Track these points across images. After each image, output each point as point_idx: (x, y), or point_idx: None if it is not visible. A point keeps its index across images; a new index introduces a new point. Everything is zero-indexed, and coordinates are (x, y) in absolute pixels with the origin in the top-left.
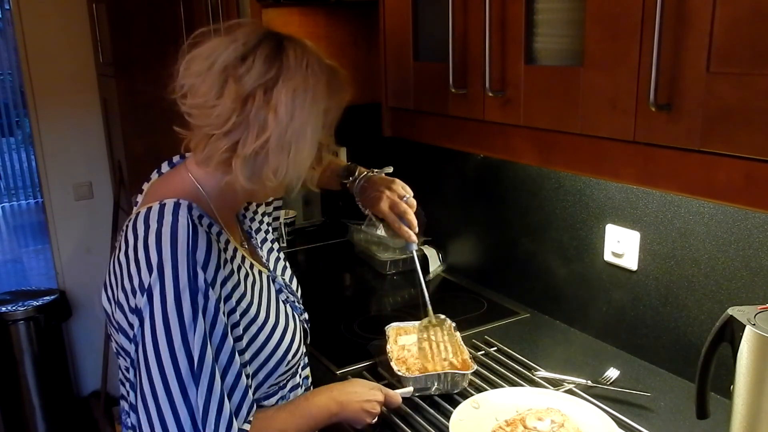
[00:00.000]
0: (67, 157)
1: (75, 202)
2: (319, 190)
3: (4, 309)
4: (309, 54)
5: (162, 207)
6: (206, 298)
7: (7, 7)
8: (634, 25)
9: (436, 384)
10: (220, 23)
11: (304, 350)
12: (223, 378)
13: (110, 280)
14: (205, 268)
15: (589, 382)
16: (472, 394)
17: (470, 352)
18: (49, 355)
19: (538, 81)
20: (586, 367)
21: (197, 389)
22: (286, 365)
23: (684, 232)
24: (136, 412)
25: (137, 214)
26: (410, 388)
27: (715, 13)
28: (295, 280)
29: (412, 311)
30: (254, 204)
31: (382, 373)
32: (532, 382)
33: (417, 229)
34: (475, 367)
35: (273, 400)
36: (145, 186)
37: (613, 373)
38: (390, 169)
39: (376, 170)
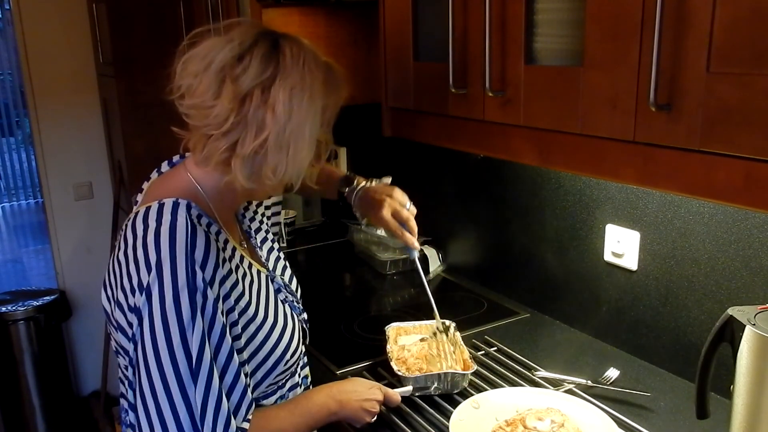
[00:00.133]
0: (67, 157)
1: (75, 202)
2: (318, 188)
3: (4, 309)
4: (305, 52)
5: (161, 206)
6: (204, 297)
7: (7, 7)
8: (634, 25)
9: (436, 384)
10: (219, 23)
11: (303, 350)
12: (221, 377)
13: (110, 279)
14: (203, 268)
15: (589, 382)
16: (472, 394)
17: (470, 352)
18: (49, 355)
19: (538, 81)
20: (586, 367)
21: (196, 388)
22: (285, 365)
23: (684, 232)
24: (135, 410)
25: (136, 214)
26: (409, 388)
27: (715, 13)
28: (294, 280)
29: (411, 311)
30: (254, 204)
31: (382, 372)
32: (532, 382)
33: (416, 236)
34: (476, 367)
35: (272, 399)
36: (145, 185)
37: (613, 373)
38: (389, 179)
39: (375, 180)
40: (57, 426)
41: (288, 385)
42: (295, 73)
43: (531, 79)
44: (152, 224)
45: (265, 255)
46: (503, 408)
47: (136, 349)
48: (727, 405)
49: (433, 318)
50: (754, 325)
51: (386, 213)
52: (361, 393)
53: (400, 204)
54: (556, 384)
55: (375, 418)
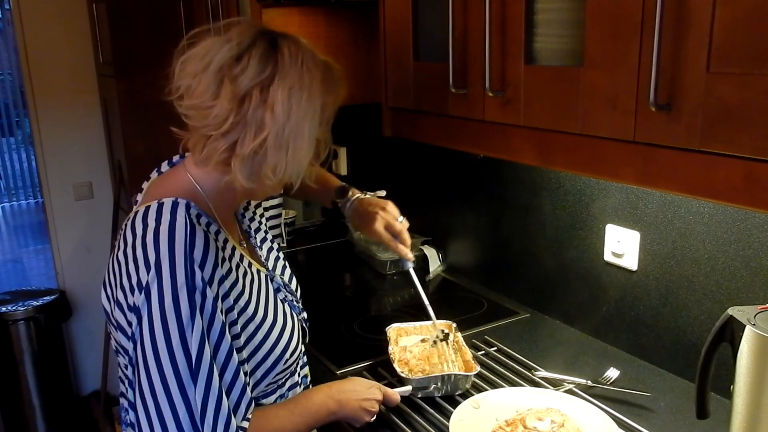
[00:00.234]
0: (67, 157)
1: (75, 202)
2: (316, 186)
3: (4, 309)
4: (303, 51)
5: (160, 206)
6: (203, 296)
7: (7, 7)
8: (634, 25)
9: (438, 385)
10: (219, 22)
11: (303, 349)
12: (221, 376)
13: (109, 278)
14: (202, 267)
15: (589, 382)
16: (473, 394)
17: (471, 353)
18: (49, 355)
19: (538, 81)
20: (586, 367)
21: (195, 387)
22: (284, 364)
23: (684, 232)
24: (134, 410)
25: (136, 213)
26: (408, 387)
27: (715, 13)
28: (294, 280)
29: (411, 311)
30: (253, 204)
31: (382, 372)
32: (532, 382)
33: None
34: (478, 368)
35: (271, 398)
36: (145, 185)
37: (613, 373)
38: (383, 193)
39: (369, 193)
40: (57, 426)
41: (287, 384)
42: (294, 73)
43: (531, 79)
44: (151, 224)
45: (265, 254)
46: (503, 408)
47: (135, 349)
48: (727, 405)
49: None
50: (754, 325)
51: (379, 226)
52: (360, 392)
53: (393, 217)
54: (556, 384)
55: (374, 417)
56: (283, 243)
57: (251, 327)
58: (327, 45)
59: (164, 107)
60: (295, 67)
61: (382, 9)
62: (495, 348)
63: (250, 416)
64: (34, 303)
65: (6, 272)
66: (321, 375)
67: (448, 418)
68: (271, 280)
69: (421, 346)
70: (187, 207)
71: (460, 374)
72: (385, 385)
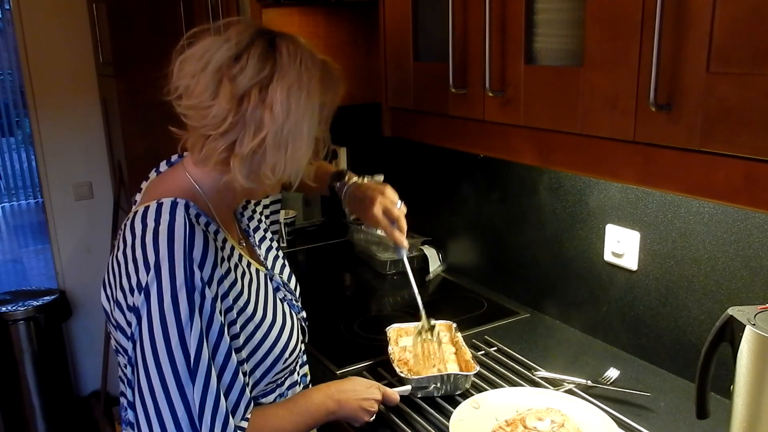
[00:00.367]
0: (67, 157)
1: (75, 202)
2: (316, 185)
3: (4, 309)
4: (302, 50)
5: (159, 206)
6: (203, 296)
7: (7, 7)
8: (634, 25)
9: (438, 385)
10: (218, 21)
11: (302, 348)
12: (220, 376)
13: (109, 278)
14: (201, 267)
15: (589, 382)
16: (473, 394)
17: (471, 353)
18: (49, 355)
19: (538, 81)
20: (586, 367)
21: (194, 387)
22: (284, 363)
23: (684, 232)
24: (133, 409)
25: (135, 213)
26: (408, 387)
27: (715, 13)
28: (293, 279)
29: (411, 311)
30: (252, 203)
31: (382, 372)
32: (532, 382)
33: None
34: (478, 368)
35: (271, 397)
36: (144, 185)
37: (613, 373)
38: (381, 177)
39: (367, 177)
40: (57, 426)
41: (287, 384)
42: (292, 72)
43: (531, 79)
44: (150, 224)
45: (264, 254)
46: (503, 408)
47: (134, 348)
48: (727, 405)
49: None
50: (754, 325)
51: (377, 210)
52: (359, 392)
53: (391, 202)
54: (556, 384)
55: (374, 417)
56: (283, 243)
57: (250, 326)
58: (327, 45)
59: (164, 107)
60: (294, 66)
61: (382, 9)
62: (495, 348)
63: (249, 416)
64: (34, 303)
65: (6, 272)
66: (321, 375)
67: (448, 418)
68: (271, 279)
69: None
70: (186, 207)
71: (460, 374)
72: (385, 385)
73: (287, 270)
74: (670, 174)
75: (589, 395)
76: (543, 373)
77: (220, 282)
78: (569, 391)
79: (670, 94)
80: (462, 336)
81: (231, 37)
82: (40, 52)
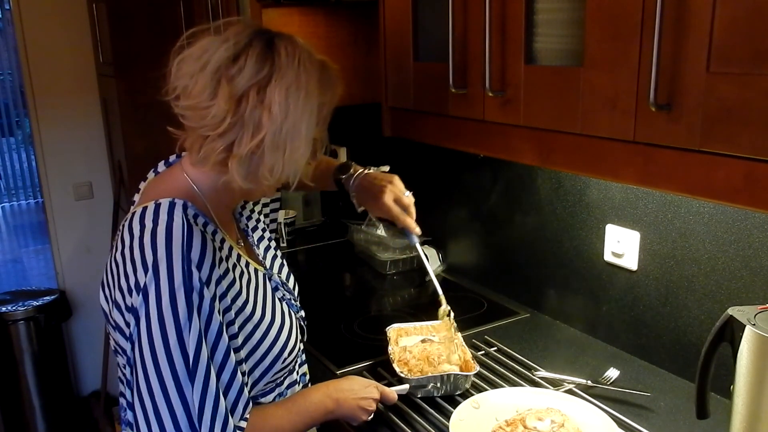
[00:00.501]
0: (67, 157)
1: (75, 202)
2: (314, 184)
3: (4, 309)
4: (300, 50)
5: (157, 207)
6: (201, 296)
7: (7, 7)
8: (634, 25)
9: (437, 385)
10: (217, 21)
11: (301, 347)
12: (218, 376)
13: (107, 279)
14: (199, 267)
15: (589, 382)
16: (473, 394)
17: (471, 353)
18: (49, 355)
19: (538, 81)
20: (586, 367)
21: (193, 387)
22: (282, 362)
23: (684, 232)
24: (132, 409)
25: (133, 214)
26: (406, 386)
27: (715, 13)
28: (292, 278)
29: (412, 311)
30: (251, 202)
31: (382, 372)
32: (532, 382)
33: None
34: (478, 368)
35: (270, 397)
36: (142, 185)
37: (613, 373)
38: (387, 168)
39: (372, 167)
40: (57, 426)
41: (286, 383)
42: (291, 73)
43: (531, 79)
44: (149, 224)
45: (262, 253)
46: (503, 408)
47: (133, 349)
48: (727, 405)
49: (437, 306)
50: (754, 325)
51: (388, 199)
52: (357, 391)
53: (400, 191)
54: (556, 384)
55: (372, 416)
56: (283, 243)
57: (249, 326)
58: (327, 45)
59: (164, 107)
60: (292, 66)
61: (382, 9)
62: (495, 348)
63: (248, 416)
64: (34, 303)
65: (6, 272)
66: (321, 375)
67: (448, 418)
68: (269, 279)
69: (420, 346)
70: (184, 207)
71: (459, 374)
72: (384, 384)
73: (286, 269)
74: (670, 174)
75: (589, 395)
76: (543, 373)
77: (219, 282)
78: (569, 391)
79: (670, 94)
80: (462, 336)
81: (229, 37)
82: (40, 52)
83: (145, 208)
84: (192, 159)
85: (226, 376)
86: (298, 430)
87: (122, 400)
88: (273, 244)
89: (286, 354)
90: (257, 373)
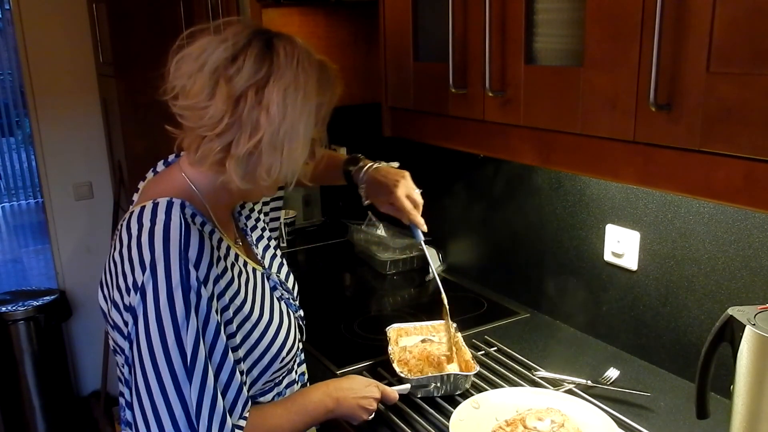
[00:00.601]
0: (67, 157)
1: (75, 202)
2: (312, 184)
3: (4, 309)
4: (299, 51)
5: (155, 206)
6: (198, 296)
7: (7, 7)
8: (634, 25)
9: (438, 385)
10: (217, 21)
11: (300, 347)
12: (216, 375)
13: (106, 278)
14: (197, 267)
15: (589, 382)
16: (473, 394)
17: (471, 353)
18: (49, 355)
19: (538, 81)
20: (586, 367)
21: (191, 386)
22: (281, 362)
23: (684, 232)
24: (131, 409)
25: (131, 213)
26: (407, 386)
27: (715, 13)
28: (291, 278)
29: (411, 311)
30: (251, 202)
31: (382, 372)
32: (532, 382)
33: None
34: (478, 368)
35: (269, 396)
36: (141, 185)
37: (613, 373)
38: (397, 164)
39: (383, 162)
40: (57, 426)
41: (285, 383)
42: (289, 73)
43: (531, 79)
44: (146, 224)
45: (261, 252)
46: (503, 408)
47: (131, 348)
48: (727, 405)
49: (438, 305)
50: (754, 325)
51: (402, 193)
52: (358, 390)
53: (412, 188)
54: (556, 384)
55: (372, 416)
56: (283, 243)
57: (247, 325)
58: (327, 45)
59: (164, 107)
60: (291, 67)
61: (382, 9)
62: (495, 348)
63: (246, 415)
64: (34, 303)
65: (6, 272)
66: (321, 375)
67: (448, 418)
68: (267, 278)
69: (420, 346)
70: (182, 207)
71: (460, 374)
72: (385, 384)
73: (285, 269)
74: (670, 174)
75: (589, 395)
76: (543, 373)
77: (216, 281)
78: (569, 391)
79: (670, 94)
80: (462, 336)
81: (228, 37)
82: (40, 52)
83: (143, 208)
84: (190, 159)
85: (224, 375)
86: (297, 429)
87: (121, 400)
88: (272, 243)
89: (284, 353)
90: (255, 372)
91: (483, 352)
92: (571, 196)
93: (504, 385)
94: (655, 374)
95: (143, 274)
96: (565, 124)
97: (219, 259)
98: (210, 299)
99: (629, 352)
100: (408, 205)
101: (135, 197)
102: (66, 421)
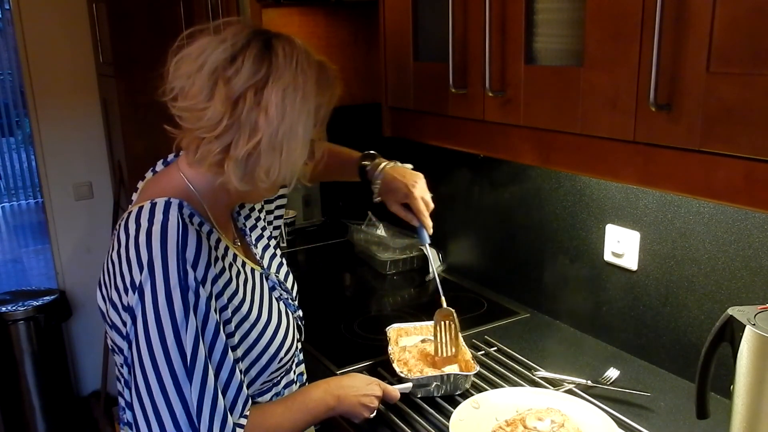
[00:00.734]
0: (67, 157)
1: (75, 202)
2: (311, 184)
3: (4, 309)
4: (298, 52)
5: (153, 206)
6: (197, 296)
7: (7, 7)
8: (634, 25)
9: (438, 385)
10: (216, 21)
11: (298, 347)
12: (217, 374)
13: (104, 278)
14: (195, 267)
15: (589, 382)
16: (473, 394)
17: (471, 353)
18: (49, 355)
19: (538, 81)
20: (586, 367)
21: (191, 386)
22: (279, 362)
23: (684, 232)
24: (131, 409)
25: (129, 213)
26: (409, 385)
27: (715, 13)
28: (290, 278)
29: (411, 311)
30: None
31: (382, 372)
32: (532, 382)
33: None
34: (478, 368)
35: (267, 397)
36: (140, 184)
37: (613, 373)
38: (410, 166)
39: (398, 162)
40: (57, 426)
41: (283, 383)
42: (288, 74)
43: (531, 79)
44: (144, 224)
45: (260, 252)
46: (503, 408)
47: (130, 348)
48: (727, 405)
49: (438, 306)
50: (754, 325)
51: (419, 193)
52: (359, 388)
53: (426, 191)
54: (556, 384)
55: (374, 414)
56: (283, 243)
57: (245, 326)
58: (327, 45)
59: (164, 107)
60: (290, 68)
61: (382, 9)
62: (495, 348)
63: (247, 413)
64: (34, 303)
65: (6, 272)
66: (321, 375)
67: (448, 418)
68: (266, 278)
69: (420, 346)
70: (180, 207)
71: (460, 374)
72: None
73: (284, 269)
74: (670, 174)
75: (589, 395)
76: (543, 373)
77: (214, 281)
78: (569, 391)
79: (670, 94)
80: (462, 336)
81: (227, 38)
82: (40, 52)
83: (141, 208)
84: (188, 159)
85: (224, 374)
86: (298, 427)
87: (120, 400)
88: (272, 242)
89: (282, 354)
90: (253, 372)
91: (483, 352)
92: (571, 196)
93: (504, 385)
94: (655, 374)
95: (141, 274)
96: (565, 124)
97: (217, 259)
98: (209, 299)
99: (629, 352)
100: (422, 205)
101: (134, 197)
102: (66, 421)
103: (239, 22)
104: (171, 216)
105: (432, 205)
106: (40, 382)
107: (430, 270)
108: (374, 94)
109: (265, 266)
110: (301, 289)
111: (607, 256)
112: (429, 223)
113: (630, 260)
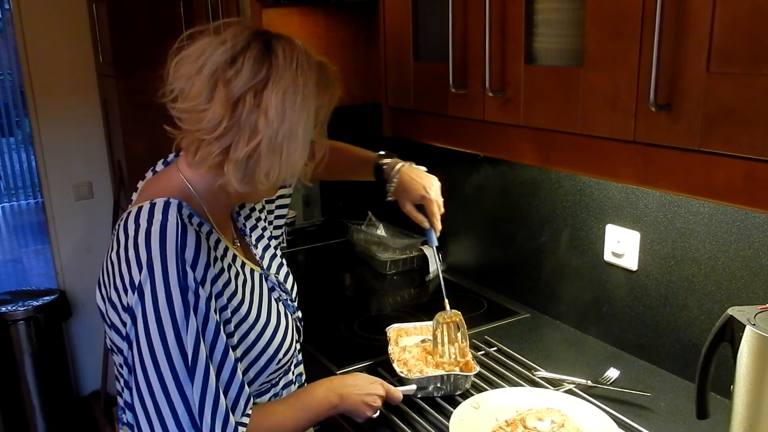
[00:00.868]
0: (67, 157)
1: (75, 202)
2: (312, 184)
3: (4, 309)
4: (298, 53)
5: (152, 206)
6: (197, 296)
7: (7, 7)
8: (634, 25)
9: (438, 385)
10: (216, 22)
11: (297, 348)
12: (218, 374)
13: (103, 278)
14: (194, 267)
15: (589, 382)
16: (473, 394)
17: (471, 353)
18: (49, 355)
19: (538, 81)
20: (586, 367)
21: (193, 386)
22: (278, 363)
23: (684, 232)
24: (132, 410)
25: (128, 214)
26: (413, 386)
27: (715, 13)
28: (290, 278)
29: (411, 311)
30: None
31: (382, 372)
32: (532, 382)
33: None
34: (478, 369)
35: (266, 397)
36: (140, 185)
37: (613, 373)
38: (424, 168)
39: (414, 164)
40: (57, 426)
41: (282, 384)
42: (288, 76)
43: (531, 79)
44: (143, 224)
45: (260, 253)
46: (503, 408)
47: (131, 348)
48: (727, 405)
49: (442, 308)
50: (754, 325)
51: (435, 196)
52: (362, 387)
53: (439, 193)
54: (556, 384)
55: (377, 413)
56: (283, 243)
57: (244, 326)
58: (327, 45)
59: (164, 107)
60: (290, 70)
61: (382, 9)
62: (495, 348)
63: (249, 412)
64: (34, 303)
65: (6, 272)
66: (321, 375)
67: (448, 418)
68: (265, 279)
69: (420, 346)
70: (179, 207)
71: (460, 374)
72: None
73: (284, 270)
74: (670, 174)
75: (589, 395)
76: (543, 373)
77: (214, 282)
78: (569, 391)
79: (670, 94)
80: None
81: (227, 39)
82: (40, 52)
83: (140, 208)
84: (188, 160)
85: (225, 373)
86: (300, 425)
87: (120, 400)
88: (273, 243)
89: (281, 355)
90: (252, 373)
91: (483, 352)
92: (571, 196)
93: (504, 385)
94: (655, 374)
95: (140, 274)
96: (565, 124)
97: (216, 259)
98: (208, 299)
99: (629, 352)
100: (435, 209)
101: (134, 197)
102: (66, 421)
103: (239, 23)
104: (170, 216)
105: (443, 210)
106: (40, 382)
107: (432, 270)
108: (374, 94)
109: (265, 267)
110: (301, 289)
111: (607, 256)
112: (439, 226)
113: (630, 260)
